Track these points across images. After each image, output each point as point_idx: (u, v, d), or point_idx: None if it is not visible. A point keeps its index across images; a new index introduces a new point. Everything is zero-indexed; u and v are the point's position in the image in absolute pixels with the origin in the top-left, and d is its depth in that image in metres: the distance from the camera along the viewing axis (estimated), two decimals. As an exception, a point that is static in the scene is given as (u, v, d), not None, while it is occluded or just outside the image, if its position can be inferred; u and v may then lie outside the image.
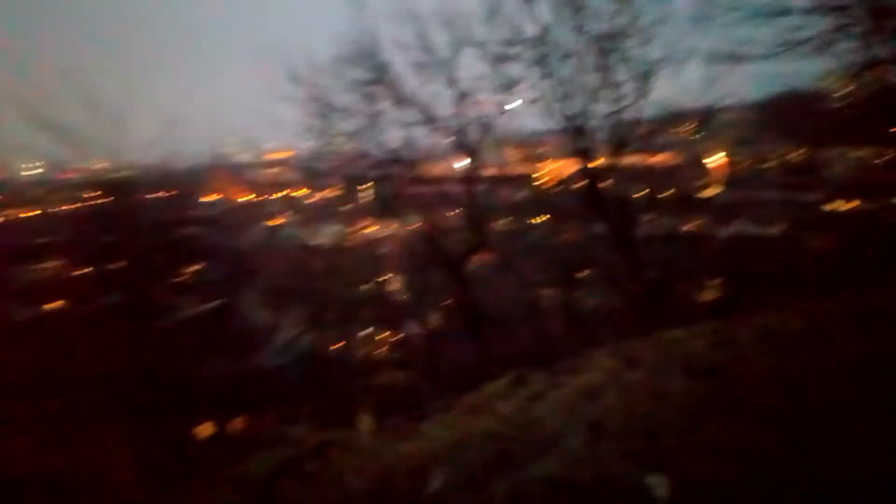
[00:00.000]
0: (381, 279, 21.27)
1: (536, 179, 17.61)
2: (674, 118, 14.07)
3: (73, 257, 19.34)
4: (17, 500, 6.40)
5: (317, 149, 14.90)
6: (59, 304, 20.20)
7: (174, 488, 5.89)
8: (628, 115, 12.58)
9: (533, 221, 18.05)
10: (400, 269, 20.60)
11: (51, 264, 22.06)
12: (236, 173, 46.00)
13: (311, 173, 20.51)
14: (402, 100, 13.52)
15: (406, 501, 3.09)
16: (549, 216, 17.16)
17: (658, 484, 2.58)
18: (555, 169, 17.08)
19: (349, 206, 22.98)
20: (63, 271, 20.44)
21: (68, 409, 15.37)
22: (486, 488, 2.95)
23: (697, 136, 16.38)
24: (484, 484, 3.01)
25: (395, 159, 14.34)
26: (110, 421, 15.70)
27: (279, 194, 42.78)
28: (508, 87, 13.36)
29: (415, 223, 16.36)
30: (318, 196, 33.42)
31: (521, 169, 17.15)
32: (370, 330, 19.97)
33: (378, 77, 13.23)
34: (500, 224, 17.52)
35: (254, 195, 44.92)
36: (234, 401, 16.89)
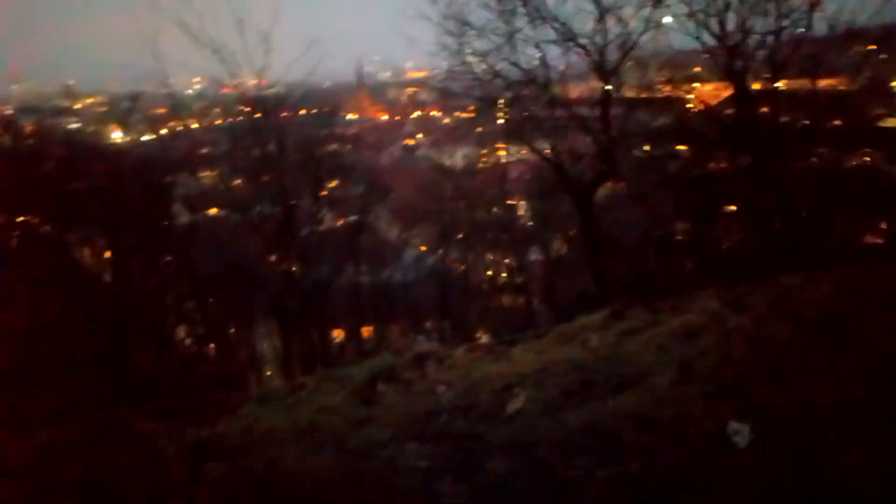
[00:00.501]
0: (508, 203, 21.27)
1: (680, 104, 16.30)
2: (846, 38, 12.21)
3: (228, 168, 21.30)
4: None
5: (451, 69, 14.73)
6: (215, 211, 22.62)
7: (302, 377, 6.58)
8: (792, 32, 11.15)
9: (673, 150, 16.88)
10: (527, 195, 20.42)
11: (208, 174, 24.59)
12: (375, 92, 47.27)
13: (446, 94, 20.43)
14: (540, 16, 12.93)
15: (488, 416, 3.23)
16: (691, 145, 15.91)
17: (739, 432, 2.48)
18: (703, 93, 15.67)
19: (481, 128, 22.85)
20: (219, 181, 22.67)
21: (225, 304, 17.51)
22: (564, 414, 3.01)
23: (875, 58, 14.09)
24: (563, 410, 3.06)
25: (529, 80, 13.90)
26: (258, 317, 17.69)
27: (415, 114, 43.38)
28: (657, 1, 12.34)
29: (545, 148, 15.94)
30: (451, 117, 33.51)
31: (664, 92, 15.93)
32: (494, 252, 20.25)
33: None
34: (637, 151, 16.59)
35: (391, 114, 46.09)
36: (365, 309, 18.21)
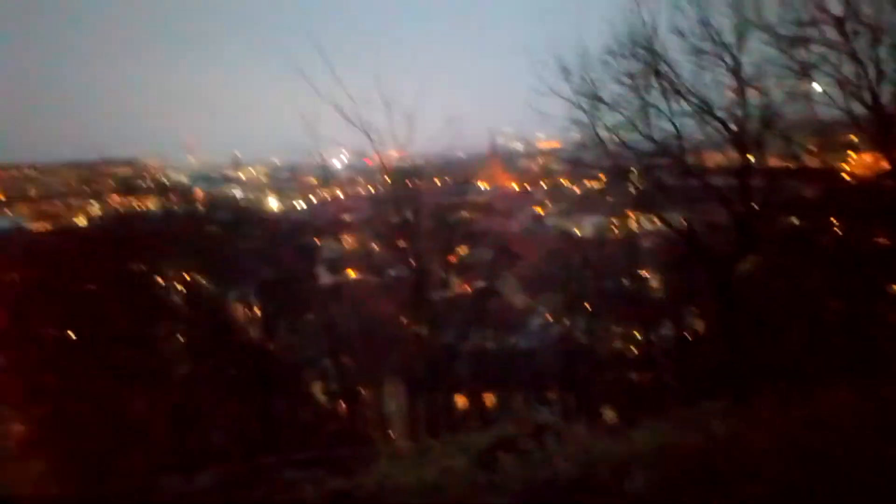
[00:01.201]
0: (638, 274, 20.66)
1: (830, 175, 15.26)
2: None
3: (368, 233, 22.80)
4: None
5: (583, 141, 14.95)
6: (355, 273, 24.21)
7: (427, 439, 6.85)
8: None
9: (822, 222, 15.68)
10: (660, 266, 19.75)
11: (351, 238, 26.47)
12: (507, 162, 48.63)
13: (576, 164, 20.64)
14: (674, 90, 12.92)
15: (605, 493, 3.27)
16: (843, 218, 14.71)
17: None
18: (855, 163, 14.60)
19: (611, 198, 22.68)
20: (359, 245, 24.31)
21: (358, 363, 18.42)
22: (682, 500, 2.97)
23: None
24: (681, 495, 3.03)
25: (662, 151, 13.79)
26: (387, 378, 18.38)
27: (544, 183, 43.89)
28: (802, 71, 11.93)
29: (680, 218, 15.52)
30: (581, 186, 33.56)
31: (810, 163, 15.02)
32: (623, 324, 19.62)
33: (650, 66, 12.82)
34: (781, 223, 15.62)
35: (521, 183, 46.97)
36: (489, 375, 18.30)
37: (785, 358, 11.58)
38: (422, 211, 18.27)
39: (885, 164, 11.40)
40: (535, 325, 22.24)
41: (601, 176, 19.75)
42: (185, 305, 22.88)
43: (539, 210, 41.61)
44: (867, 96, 10.95)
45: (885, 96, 11.09)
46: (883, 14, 10.73)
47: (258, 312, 19.88)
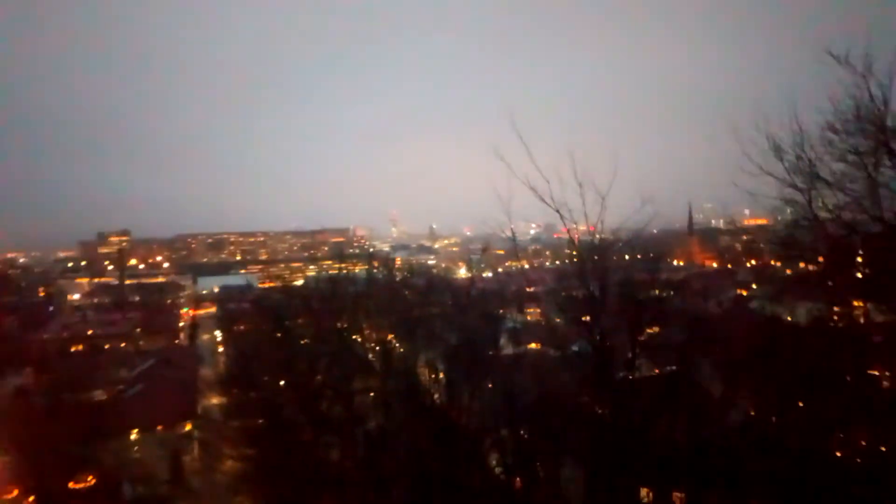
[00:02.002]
0: (866, 372, 17.70)
1: None
2: None
3: (552, 306, 22.64)
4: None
5: (797, 219, 13.84)
6: (536, 345, 24.03)
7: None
8: None
9: None
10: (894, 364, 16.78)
11: (536, 309, 26.47)
12: (706, 239, 45.60)
13: (789, 244, 18.84)
14: None
15: None
16: None
17: None
18: None
19: (832, 283, 20.10)
20: (544, 317, 24.18)
21: (536, 438, 17.99)
22: None
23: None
24: None
25: (894, 234, 12.18)
26: (566, 457, 17.65)
27: (749, 263, 40.34)
28: None
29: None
30: (793, 268, 30.15)
31: None
32: (844, 428, 16.80)
33: (881, 143, 11.58)
34: None
35: (722, 262, 43.50)
36: (678, 469, 16.68)
37: None
38: (609, 286, 17.82)
39: None
40: (735, 419, 19.89)
41: (819, 258, 17.79)
42: (380, 364, 24.55)
43: (742, 292, 38.02)
44: None
45: None
46: None
47: (443, 376, 20.58)
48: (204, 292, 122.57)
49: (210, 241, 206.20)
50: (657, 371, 20.83)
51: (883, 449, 15.83)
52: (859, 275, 15.51)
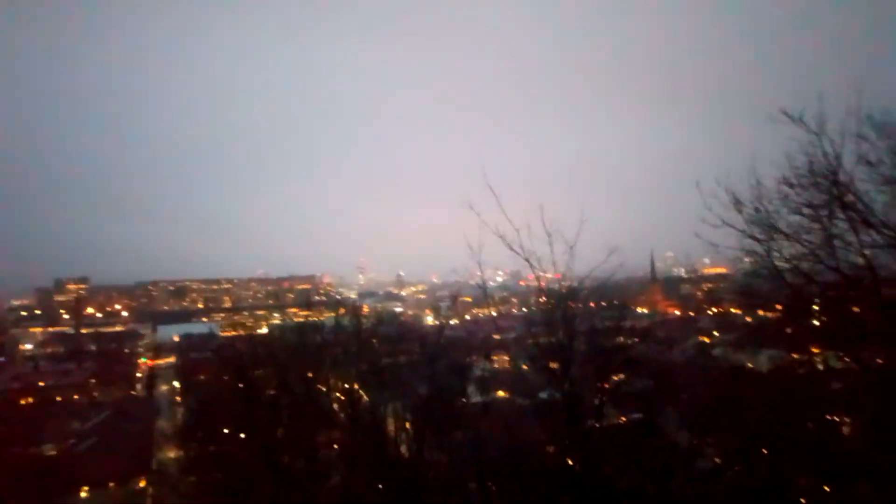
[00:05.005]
0: (827, 419, 18.05)
1: None
2: None
3: (520, 353, 22.61)
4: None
5: (756, 269, 14.29)
6: (503, 393, 23.85)
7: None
8: None
9: None
10: (853, 411, 17.14)
11: (503, 357, 26.41)
12: (668, 287, 46.58)
13: (749, 293, 19.37)
14: (864, 220, 12.04)
15: None
16: None
17: None
18: None
19: (791, 331, 20.65)
20: (512, 365, 24.10)
21: (505, 491, 17.65)
22: None
23: None
24: None
25: (852, 283, 12.66)
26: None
27: (711, 311, 41.20)
28: None
29: (878, 358, 13.78)
30: (754, 316, 30.90)
31: None
32: (807, 478, 16.97)
33: (835, 197, 12.14)
34: None
35: (684, 310, 44.33)
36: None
37: None
38: (576, 334, 17.92)
39: None
40: (702, 469, 19.93)
41: (777, 307, 18.32)
42: (345, 415, 23.95)
43: (705, 339, 38.71)
44: None
45: None
46: None
47: (410, 427, 20.16)
48: (164, 341, 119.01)
49: (172, 288, 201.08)
50: (623, 419, 20.85)
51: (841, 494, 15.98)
52: (816, 322, 15.95)
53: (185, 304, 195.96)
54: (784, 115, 11.98)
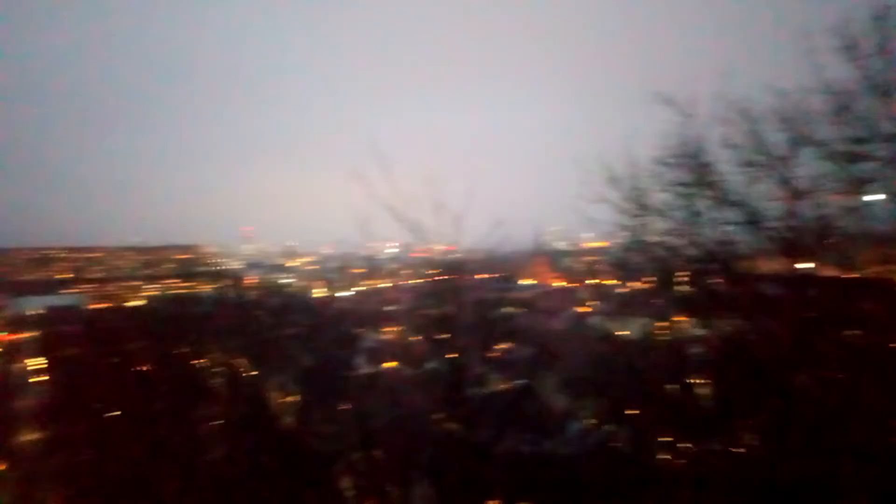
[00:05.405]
0: (686, 382, 19.74)
1: (884, 288, 14.64)
2: None
3: (409, 325, 22.83)
4: None
5: (630, 244, 15.12)
6: (393, 364, 24.00)
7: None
8: None
9: (883, 336, 14.81)
10: (709, 375, 18.86)
11: (392, 328, 26.51)
12: (552, 260, 48.80)
13: (623, 266, 20.60)
14: (725, 199, 13.06)
15: None
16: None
17: None
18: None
19: (659, 302, 22.30)
20: (400, 335, 24.28)
21: (389, 459, 17.87)
22: None
23: None
24: None
25: (712, 258, 13.73)
26: (418, 477, 17.70)
27: (589, 282, 43.66)
28: (856, 186, 11.85)
29: (729, 325, 15.12)
30: (627, 287, 33.09)
31: (869, 274, 14.47)
32: (669, 434, 18.52)
33: (700, 177, 13.07)
34: (838, 336, 14.86)
35: (566, 281, 46.75)
36: (523, 481, 17.38)
37: (840, 477, 10.73)
38: (463, 305, 18.28)
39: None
40: (575, 430, 21.26)
41: (648, 278, 19.63)
42: (226, 388, 23.07)
43: (583, 309, 41.06)
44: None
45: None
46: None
47: (297, 399, 19.80)
48: (25, 314, 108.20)
49: (35, 256, 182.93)
50: (505, 386, 21.71)
51: (700, 453, 17.57)
52: (680, 293, 17.01)
53: (49, 273, 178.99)
54: (659, 98, 12.73)
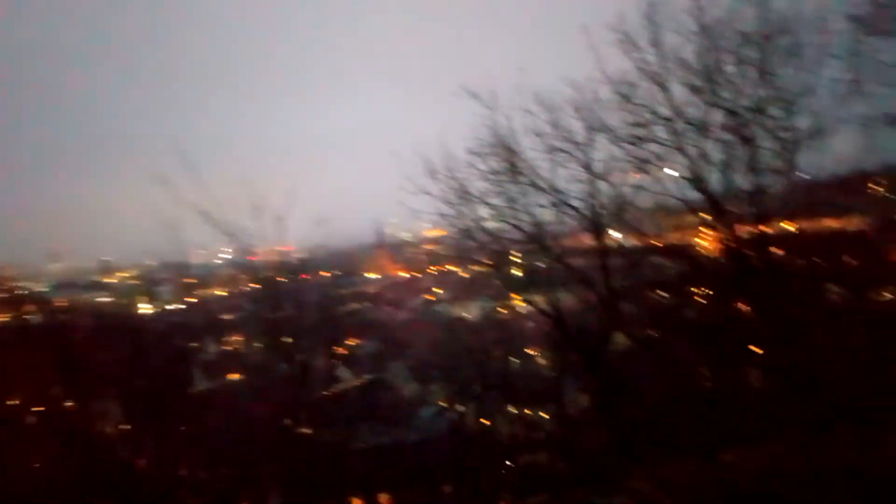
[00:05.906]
0: (527, 354, 21.22)
1: (684, 252, 16.82)
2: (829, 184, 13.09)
3: (250, 333, 21.86)
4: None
5: (457, 232, 15.68)
6: (237, 375, 22.87)
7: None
8: (774, 185, 12.02)
9: (683, 297, 17.05)
10: (542, 348, 20.42)
11: (232, 338, 25.23)
12: (395, 251, 49.40)
13: (460, 252, 21.36)
14: (535, 184, 14.02)
15: None
16: (694, 292, 16.11)
17: None
18: (698, 243, 16.23)
19: (497, 281, 23.50)
20: (242, 344, 23.18)
21: (238, 473, 17.03)
22: None
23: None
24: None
25: (530, 239, 14.71)
26: (271, 486, 17.12)
27: (432, 270, 44.74)
28: (642, 166, 13.37)
29: (552, 301, 16.35)
30: (468, 271, 34.43)
31: (663, 242, 16.50)
32: (512, 406, 19.81)
33: (511, 164, 13.90)
34: (643, 300, 16.80)
35: (410, 272, 47.67)
36: (380, 473, 17.56)
37: (661, 430, 12.16)
38: (304, 304, 17.96)
39: (718, 243, 12.73)
40: (427, 415, 21.87)
41: (481, 262, 20.60)
42: (39, 426, 20.36)
43: (429, 297, 42.18)
44: (696, 185, 12.40)
45: (713, 184, 12.66)
46: (706, 114, 12.36)
47: (126, 428, 18.08)
48: None
49: None
50: (356, 382, 21.70)
51: (539, 420, 18.95)
52: (514, 273, 18.03)
53: None
54: (465, 92, 13.40)
